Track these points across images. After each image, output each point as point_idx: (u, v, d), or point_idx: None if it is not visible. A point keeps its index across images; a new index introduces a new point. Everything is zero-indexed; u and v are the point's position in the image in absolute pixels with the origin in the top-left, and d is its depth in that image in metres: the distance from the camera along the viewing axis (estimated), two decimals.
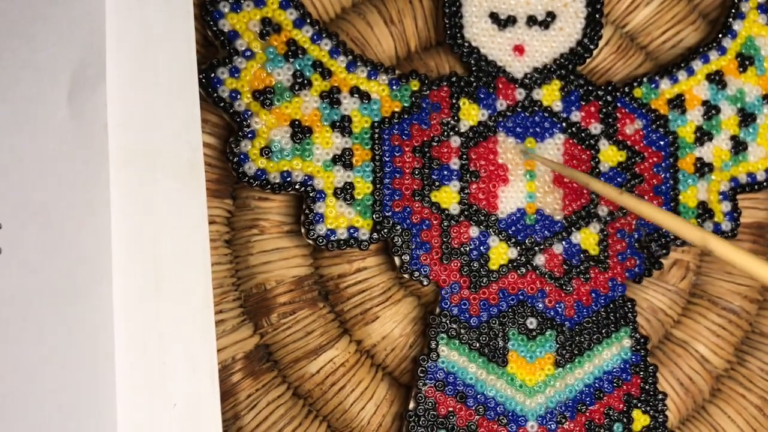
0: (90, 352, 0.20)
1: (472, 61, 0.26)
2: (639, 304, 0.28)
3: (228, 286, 0.26)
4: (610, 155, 0.27)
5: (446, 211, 0.26)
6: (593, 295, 0.26)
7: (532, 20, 0.27)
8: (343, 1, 0.27)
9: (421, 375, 0.25)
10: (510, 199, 0.26)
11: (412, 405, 0.25)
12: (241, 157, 0.25)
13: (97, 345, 0.20)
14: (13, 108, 0.21)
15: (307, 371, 0.26)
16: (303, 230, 0.25)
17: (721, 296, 0.29)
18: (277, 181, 0.25)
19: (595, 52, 0.28)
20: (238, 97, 0.25)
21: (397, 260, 0.26)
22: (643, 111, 0.27)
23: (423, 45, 0.28)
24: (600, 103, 0.27)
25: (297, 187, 0.25)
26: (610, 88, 0.27)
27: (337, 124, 0.25)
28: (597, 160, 0.27)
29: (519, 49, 0.27)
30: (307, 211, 0.25)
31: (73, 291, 0.20)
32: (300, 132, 0.25)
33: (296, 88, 0.25)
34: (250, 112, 0.25)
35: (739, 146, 0.28)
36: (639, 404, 0.26)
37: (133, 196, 0.21)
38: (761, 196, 0.29)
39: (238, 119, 0.25)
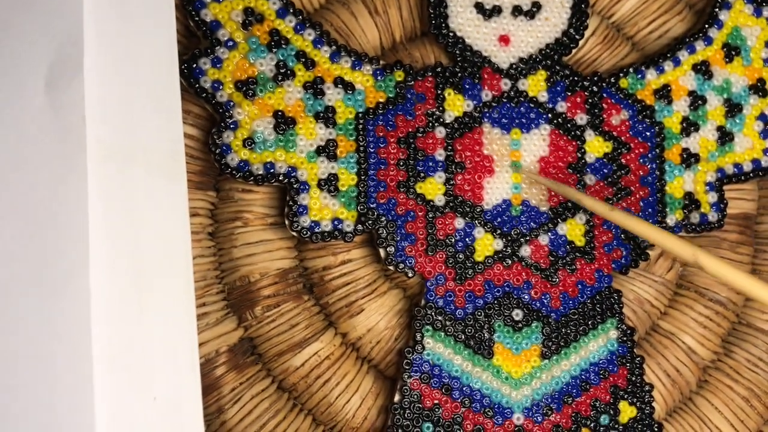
0: (67, 345, 0.19)
1: (457, 52, 0.26)
2: (626, 295, 0.28)
3: (211, 278, 0.26)
4: (596, 146, 0.27)
5: (431, 203, 0.26)
6: (579, 286, 0.26)
7: (517, 10, 0.27)
8: None
9: (407, 367, 0.25)
10: (495, 191, 0.26)
11: (397, 397, 0.25)
12: (224, 148, 0.24)
13: (74, 338, 0.19)
14: None
15: (291, 364, 0.26)
16: (287, 222, 0.25)
17: (707, 287, 0.29)
18: (260, 172, 0.25)
19: (581, 43, 0.27)
20: (221, 87, 0.24)
21: (382, 252, 0.26)
22: (629, 101, 0.27)
23: (408, 35, 0.27)
24: (586, 93, 0.27)
25: (280, 178, 0.25)
26: (596, 78, 0.27)
27: (321, 114, 0.25)
28: (583, 150, 0.27)
29: (504, 39, 0.26)
30: (290, 203, 0.25)
31: (50, 284, 0.19)
32: (283, 123, 0.25)
33: (279, 78, 0.25)
34: (232, 103, 0.25)
35: (725, 137, 0.28)
36: (626, 396, 0.26)
37: (111, 188, 0.20)
38: (748, 187, 0.29)
39: (220, 110, 0.25)
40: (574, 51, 0.27)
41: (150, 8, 0.22)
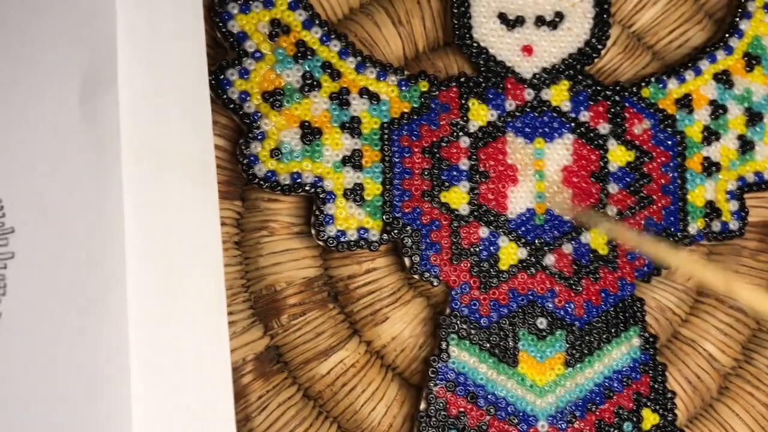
0: (104, 355, 0.20)
1: (481, 62, 0.26)
2: (647, 303, 0.28)
3: (238, 287, 0.26)
4: (618, 155, 0.27)
5: (456, 212, 0.26)
6: (603, 294, 0.26)
7: (540, 20, 0.27)
8: (351, 1, 0.27)
9: (432, 375, 0.25)
10: (519, 200, 0.26)
11: (423, 405, 0.25)
12: (251, 158, 0.25)
13: (111, 347, 0.20)
14: (25, 110, 0.21)
15: (317, 372, 0.26)
16: (313, 231, 0.25)
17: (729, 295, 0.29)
18: (287, 182, 0.25)
19: (602, 52, 0.28)
20: (248, 98, 0.25)
21: (407, 261, 0.26)
22: (651, 111, 0.27)
23: (431, 46, 0.28)
24: (608, 103, 0.27)
25: (307, 188, 0.25)
26: (618, 88, 0.27)
27: (347, 125, 0.25)
28: (606, 159, 0.27)
29: (527, 50, 0.27)
30: (317, 213, 0.25)
31: (87, 293, 0.20)
32: (310, 133, 0.25)
33: (306, 89, 0.25)
34: (259, 114, 0.25)
35: (746, 145, 0.28)
36: (649, 403, 0.27)
37: (145, 198, 0.20)
38: None
39: (247, 121, 0.25)
40: (595, 61, 0.27)
41: (180, 22, 0.23)
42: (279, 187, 0.25)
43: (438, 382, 0.25)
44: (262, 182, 0.25)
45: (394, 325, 0.27)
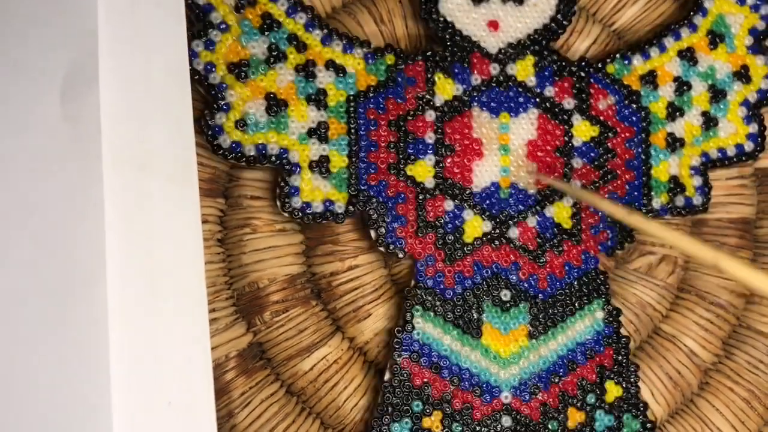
0: (85, 351, 0.20)
1: (447, 36, 0.27)
2: (628, 299, 0.29)
3: (221, 284, 0.26)
4: (583, 130, 0.27)
5: (421, 185, 0.26)
6: (566, 267, 0.27)
7: None
8: (334, 1, 0.27)
9: (397, 346, 0.26)
10: (484, 173, 0.27)
11: (387, 376, 0.26)
12: (216, 129, 0.25)
13: (92, 344, 0.20)
14: (6, 108, 0.21)
15: (300, 369, 0.26)
16: (278, 203, 0.25)
17: (708, 291, 0.29)
18: (252, 153, 0.25)
19: (583, 49, 0.28)
20: (213, 69, 0.25)
21: (372, 233, 0.26)
22: (616, 87, 0.28)
23: (413, 44, 0.28)
24: (573, 78, 0.27)
25: (272, 160, 0.25)
26: (583, 64, 0.27)
27: (313, 97, 0.25)
28: (570, 134, 0.27)
29: (493, 25, 0.27)
30: (282, 184, 0.25)
31: (68, 291, 0.20)
32: (275, 105, 0.25)
33: (271, 61, 0.25)
34: (225, 85, 0.25)
35: (710, 122, 0.29)
36: (612, 375, 0.27)
37: (126, 196, 0.20)
38: (747, 192, 0.30)
39: (213, 92, 0.25)
40: (575, 54, 0.28)
41: (162, 20, 0.23)
42: (244, 159, 0.25)
43: (402, 353, 0.26)
44: (227, 153, 0.25)
45: (377, 322, 0.27)
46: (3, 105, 0.20)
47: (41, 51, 0.21)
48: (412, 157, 0.26)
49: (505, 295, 0.26)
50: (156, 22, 0.23)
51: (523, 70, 0.27)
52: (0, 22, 0.21)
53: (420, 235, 0.26)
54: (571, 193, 0.26)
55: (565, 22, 0.27)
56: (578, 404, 0.26)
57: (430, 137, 0.26)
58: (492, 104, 0.27)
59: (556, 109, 0.27)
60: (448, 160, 0.26)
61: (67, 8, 0.21)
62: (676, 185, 0.28)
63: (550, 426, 0.26)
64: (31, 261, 0.20)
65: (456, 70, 0.27)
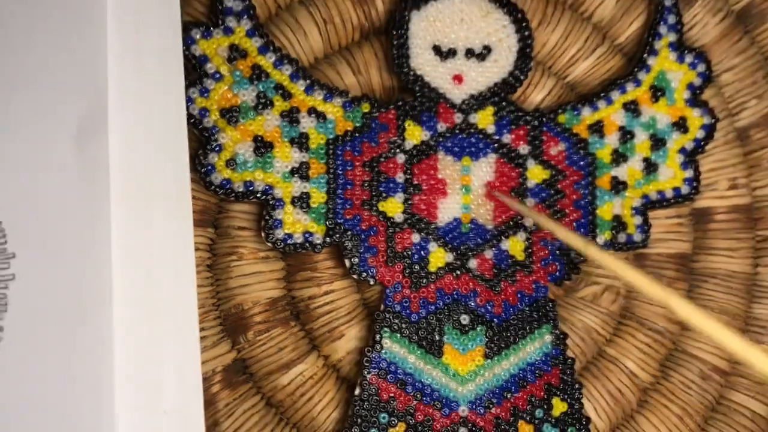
0: (92, 366, 0.22)
1: (417, 88, 0.30)
2: (575, 325, 0.31)
3: (209, 306, 0.29)
4: (536, 173, 0.31)
5: (392, 220, 0.29)
6: (519, 295, 0.30)
7: (470, 53, 0.30)
8: (316, 52, 0.30)
9: (366, 364, 0.29)
10: (448, 210, 0.30)
11: (357, 390, 0.29)
12: (209, 168, 0.28)
13: (98, 358, 0.22)
14: (25, 149, 0.23)
15: (279, 383, 0.29)
16: (263, 234, 0.28)
17: (647, 318, 0.32)
18: (241, 189, 0.28)
19: (539, 100, 0.31)
20: (207, 114, 0.28)
21: (347, 262, 0.29)
22: (566, 135, 0.31)
23: (386, 93, 0.31)
24: (528, 127, 0.31)
25: (258, 195, 0.28)
26: (537, 114, 0.31)
27: (296, 140, 0.29)
28: (524, 177, 0.30)
29: (458, 78, 0.30)
30: (267, 218, 0.28)
31: (78, 311, 0.22)
32: (262, 147, 0.28)
33: (260, 107, 0.28)
34: (217, 128, 0.28)
35: (650, 167, 0.32)
36: (558, 393, 0.30)
37: (130, 227, 0.23)
38: (684, 230, 0.33)
39: (206, 134, 0.28)
40: (531, 103, 0.31)
41: (163, 71, 0.25)
42: (233, 194, 0.28)
43: (371, 370, 0.29)
44: (218, 189, 0.28)
45: (350, 341, 0.30)
46: (22, 146, 0.23)
47: (57, 99, 0.24)
48: (384, 194, 0.29)
49: (464, 319, 0.29)
50: (158, 74, 0.26)
51: (484, 119, 0.30)
52: (20, 72, 0.24)
53: (389, 264, 0.29)
54: (539, 221, 0.28)
55: (522, 77, 0.31)
56: (528, 418, 0.30)
57: (400, 177, 0.29)
58: (455, 149, 0.30)
59: (513, 154, 0.30)
60: (416, 198, 0.29)
61: (81, 61, 0.24)
62: (618, 224, 0.31)
63: None
64: (46, 284, 0.23)
65: (424, 118, 0.30)
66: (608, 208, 0.31)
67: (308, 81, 0.29)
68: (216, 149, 0.28)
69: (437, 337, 0.29)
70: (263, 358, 0.29)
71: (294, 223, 0.28)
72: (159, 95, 0.25)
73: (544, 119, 0.31)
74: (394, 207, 0.29)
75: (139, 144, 0.24)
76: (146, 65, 0.25)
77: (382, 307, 0.29)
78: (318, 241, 0.28)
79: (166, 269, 0.24)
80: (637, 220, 0.32)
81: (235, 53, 0.28)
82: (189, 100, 0.28)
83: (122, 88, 0.24)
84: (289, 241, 0.28)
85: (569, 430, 0.30)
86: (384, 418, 0.28)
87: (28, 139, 0.23)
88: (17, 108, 0.23)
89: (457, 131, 0.30)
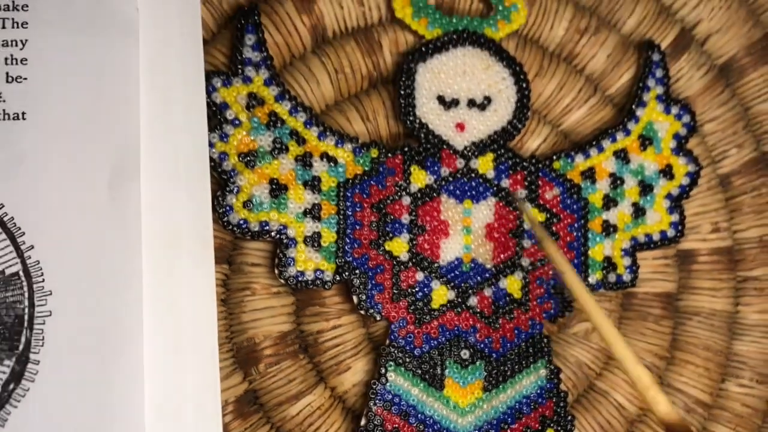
0: (124, 399, 0.24)
1: (422, 135, 0.32)
2: (567, 359, 0.33)
3: (223, 339, 0.30)
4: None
5: (397, 258, 0.31)
6: (516, 331, 0.32)
7: (472, 103, 0.32)
8: (327, 99, 0.32)
9: (372, 396, 0.30)
10: (450, 250, 0.32)
11: (363, 422, 0.30)
12: (227, 208, 0.29)
13: (130, 393, 0.24)
14: (66, 195, 0.25)
15: (288, 413, 0.30)
16: (276, 271, 0.30)
17: (635, 354, 0.34)
18: (257, 229, 0.30)
19: (535, 147, 0.33)
20: (226, 158, 0.29)
21: (355, 298, 0.31)
22: (561, 180, 0.33)
23: (393, 139, 0.32)
24: (525, 172, 0.33)
25: (273, 234, 0.30)
26: (534, 160, 0.33)
27: (309, 183, 0.30)
28: (521, 219, 0.32)
29: (460, 126, 0.32)
30: (280, 255, 0.30)
31: (110, 345, 0.24)
32: (277, 189, 0.30)
33: (275, 152, 0.30)
34: (235, 171, 0.30)
35: (638, 212, 0.34)
36: (552, 424, 0.32)
37: (160, 267, 0.25)
38: (670, 270, 0.35)
39: (225, 177, 0.29)
40: (527, 150, 0.33)
41: (188, 122, 0.27)
42: (249, 233, 0.30)
43: (377, 402, 0.30)
44: (235, 228, 0.29)
45: (356, 374, 0.31)
46: (61, 191, 0.25)
47: (93, 148, 0.26)
48: (390, 234, 0.31)
49: (465, 354, 0.31)
50: (184, 123, 0.27)
51: (484, 165, 0.32)
52: (60, 123, 0.26)
53: (395, 301, 0.31)
54: (543, 241, 0.29)
55: (519, 126, 0.33)
56: None
57: (405, 218, 0.31)
58: (457, 192, 0.32)
59: (510, 198, 0.32)
60: (420, 238, 0.31)
61: (115, 114, 0.26)
62: (609, 264, 0.33)
63: None
64: (80, 320, 0.24)
65: (428, 163, 0.32)
66: (599, 249, 0.33)
67: (321, 127, 0.31)
68: (234, 191, 0.29)
69: (439, 371, 0.31)
70: (273, 390, 0.30)
71: (306, 261, 0.30)
72: (185, 143, 0.27)
73: (540, 165, 0.33)
74: (399, 246, 0.31)
75: (168, 189, 0.26)
76: (173, 115, 0.27)
77: (388, 341, 0.31)
78: (328, 279, 0.30)
79: (190, 306, 0.26)
80: (627, 261, 0.34)
81: (253, 101, 0.30)
82: (210, 145, 0.29)
83: (152, 137, 0.26)
84: (300, 278, 0.30)
85: None
86: None
87: (67, 185, 0.25)
88: (57, 156, 0.25)
89: (459, 176, 0.32)
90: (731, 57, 0.36)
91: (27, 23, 0.25)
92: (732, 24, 0.36)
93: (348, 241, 0.30)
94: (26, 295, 0.24)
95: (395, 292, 0.31)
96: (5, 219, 0.24)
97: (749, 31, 0.36)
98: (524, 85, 0.33)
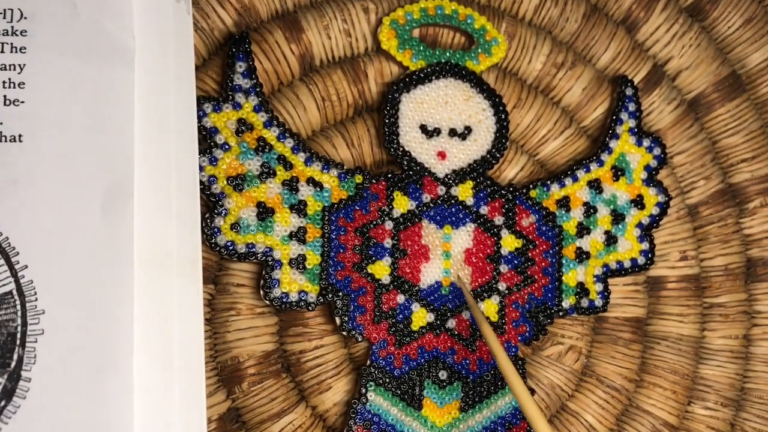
0: (114, 414, 0.25)
1: (405, 162, 0.33)
2: (540, 381, 0.34)
3: (207, 358, 0.30)
4: (509, 242, 0.34)
5: (379, 281, 0.32)
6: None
7: (453, 132, 0.34)
8: (314, 125, 0.33)
9: (353, 415, 0.31)
10: (430, 274, 0.33)
11: None
12: (215, 230, 0.30)
13: (120, 410, 0.25)
14: (58, 216, 0.26)
15: (270, 431, 0.31)
16: (262, 292, 0.31)
17: (606, 376, 0.35)
18: (243, 251, 0.30)
19: (512, 176, 0.35)
20: (215, 181, 0.30)
21: (337, 319, 0.31)
22: (537, 208, 0.34)
23: (377, 165, 0.34)
24: (503, 200, 0.34)
25: (259, 256, 0.31)
26: (511, 188, 0.34)
27: (295, 206, 0.31)
28: (499, 245, 0.34)
29: (442, 155, 0.33)
30: (266, 277, 0.31)
31: (101, 361, 0.25)
32: (264, 212, 0.31)
33: (263, 176, 0.31)
34: (224, 194, 0.30)
35: (611, 240, 0.35)
36: None
37: (151, 288, 0.26)
38: (639, 296, 0.36)
39: (213, 199, 0.30)
40: (504, 179, 0.35)
41: (180, 147, 0.28)
42: (236, 255, 0.30)
43: (357, 421, 0.31)
44: (222, 250, 0.30)
45: (336, 393, 0.32)
46: (55, 214, 0.26)
47: (87, 171, 0.26)
48: (373, 258, 0.32)
49: (443, 374, 0.32)
50: (175, 148, 0.28)
51: (464, 192, 0.34)
52: (55, 148, 0.26)
53: (376, 322, 0.32)
54: (475, 314, 0.31)
55: (498, 155, 0.34)
56: None
57: (387, 243, 0.32)
58: (438, 218, 0.33)
59: (489, 224, 0.34)
60: (402, 262, 0.32)
61: (109, 139, 0.27)
62: (581, 290, 0.35)
63: None
64: (72, 339, 0.25)
65: (411, 190, 0.33)
66: (573, 275, 0.35)
67: (308, 153, 0.32)
68: (222, 213, 0.30)
69: (417, 391, 0.32)
70: (256, 408, 0.31)
71: (290, 282, 0.31)
72: (176, 168, 0.28)
73: (517, 193, 0.34)
74: (381, 270, 0.32)
75: (159, 212, 0.27)
76: (166, 141, 0.28)
77: (368, 362, 0.32)
78: (312, 300, 0.31)
79: (179, 325, 0.27)
80: (599, 287, 0.35)
81: (243, 126, 0.31)
82: (199, 168, 0.30)
83: (145, 160, 0.27)
84: (285, 300, 0.31)
85: None
86: None
87: (61, 206, 0.26)
88: (52, 178, 0.26)
89: (440, 202, 0.33)
90: (700, 92, 0.38)
91: (25, 48, 0.26)
92: (701, 61, 0.38)
93: (332, 263, 0.31)
94: (19, 313, 0.24)
95: (377, 314, 0.32)
96: (0, 239, 0.25)
97: (717, 68, 0.38)
98: (503, 116, 0.34)
